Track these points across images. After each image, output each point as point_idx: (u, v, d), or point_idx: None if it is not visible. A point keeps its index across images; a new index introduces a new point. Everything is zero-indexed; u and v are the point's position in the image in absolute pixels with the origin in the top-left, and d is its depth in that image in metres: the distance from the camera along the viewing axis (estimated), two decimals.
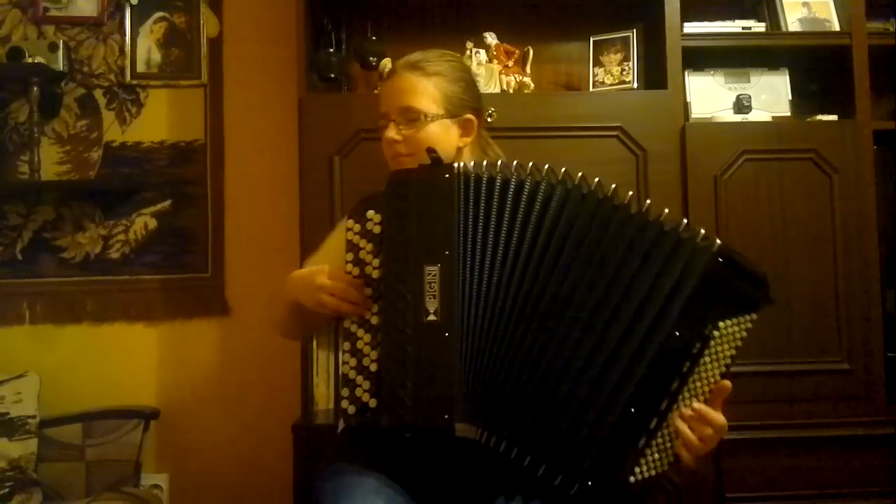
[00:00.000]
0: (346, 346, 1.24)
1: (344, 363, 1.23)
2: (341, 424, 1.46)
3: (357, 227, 1.27)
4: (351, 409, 1.22)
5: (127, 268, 2.45)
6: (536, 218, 1.20)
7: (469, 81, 1.50)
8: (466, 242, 1.20)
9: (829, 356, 2.15)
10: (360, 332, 1.24)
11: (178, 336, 2.46)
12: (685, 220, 1.17)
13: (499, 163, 1.23)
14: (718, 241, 1.12)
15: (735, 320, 1.12)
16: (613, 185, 1.20)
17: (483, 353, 1.17)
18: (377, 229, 1.26)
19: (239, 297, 2.46)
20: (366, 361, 1.22)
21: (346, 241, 1.28)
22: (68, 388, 2.33)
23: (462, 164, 1.26)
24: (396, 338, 1.18)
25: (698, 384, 1.13)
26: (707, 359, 1.13)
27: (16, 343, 2.40)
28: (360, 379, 1.21)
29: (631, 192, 1.21)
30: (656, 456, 1.12)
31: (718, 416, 1.14)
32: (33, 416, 2.17)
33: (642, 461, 1.12)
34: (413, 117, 1.42)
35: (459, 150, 1.47)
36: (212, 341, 2.46)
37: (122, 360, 2.43)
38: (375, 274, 1.24)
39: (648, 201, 1.20)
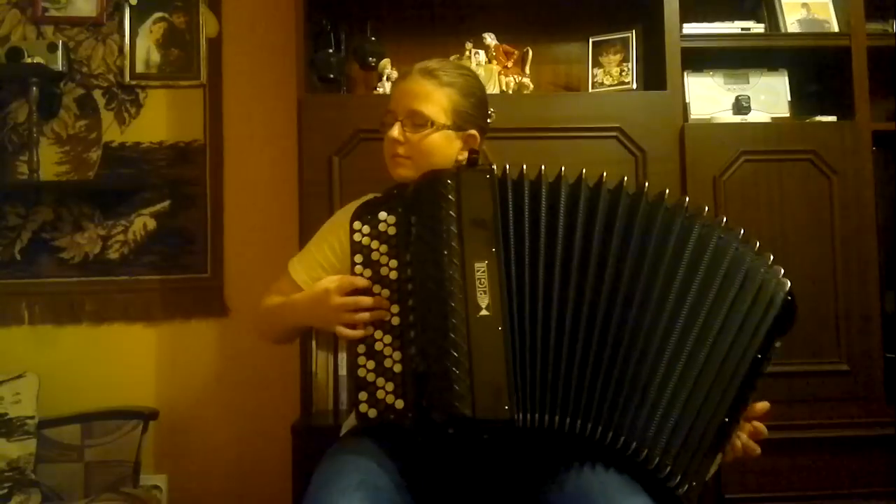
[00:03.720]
0: (361, 349, 1.23)
1: (359, 366, 1.22)
2: (345, 428, 1.46)
3: (366, 229, 1.28)
4: (372, 413, 1.20)
5: (126, 268, 2.45)
6: (585, 216, 1.24)
7: (480, 98, 1.53)
8: (512, 240, 1.23)
9: (828, 357, 2.15)
10: (378, 334, 1.23)
11: (177, 336, 2.46)
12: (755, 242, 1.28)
13: (523, 167, 1.26)
14: (788, 281, 1.26)
15: (780, 341, 1.27)
16: (666, 190, 1.28)
17: (536, 343, 1.19)
18: (392, 230, 1.27)
19: (238, 298, 2.46)
20: (387, 363, 1.21)
21: (351, 244, 1.28)
22: (67, 388, 2.33)
23: (503, 168, 1.28)
24: (439, 335, 1.18)
25: None
26: None
27: (15, 343, 2.40)
28: (380, 381, 1.20)
29: (688, 198, 1.31)
30: (719, 458, 1.23)
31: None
32: (32, 417, 2.16)
33: (715, 462, 1.22)
34: (420, 122, 1.45)
35: (458, 161, 1.48)
36: (211, 342, 2.46)
37: (121, 360, 2.43)
38: (393, 275, 1.25)
39: (707, 208, 1.30)
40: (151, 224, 2.46)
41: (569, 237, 1.23)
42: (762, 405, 1.27)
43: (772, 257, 1.27)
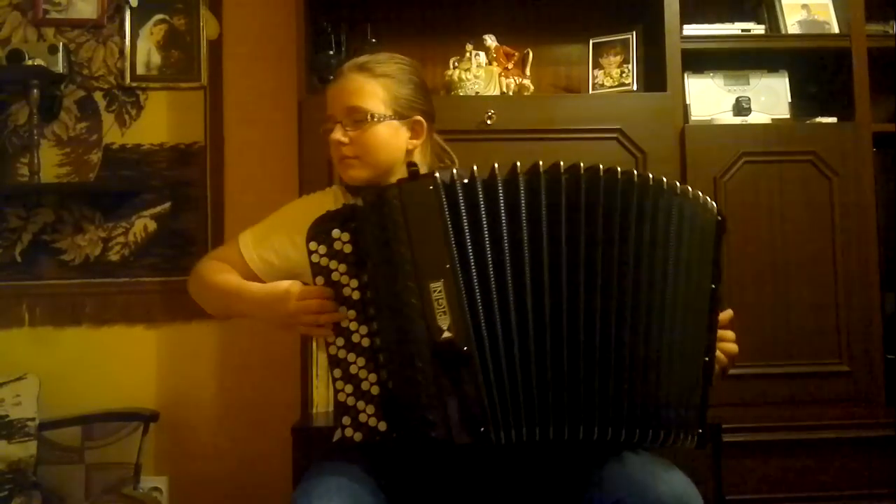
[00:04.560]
0: (338, 373, 1.19)
1: (338, 391, 1.19)
2: (337, 435, 1.46)
3: (323, 249, 1.21)
4: (357, 437, 1.18)
5: (126, 270, 2.45)
6: (548, 210, 1.18)
7: (419, 84, 1.48)
8: (471, 250, 1.16)
9: (829, 358, 2.15)
10: (352, 357, 1.19)
11: (177, 338, 2.46)
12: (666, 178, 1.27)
13: (473, 168, 1.19)
14: (715, 205, 1.29)
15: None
16: (617, 167, 1.27)
17: (513, 356, 1.15)
18: (348, 248, 1.20)
19: None
20: (364, 386, 1.18)
21: (311, 266, 1.23)
22: (68, 390, 2.33)
23: (450, 172, 1.20)
24: (407, 358, 1.15)
25: None
26: None
27: (15, 345, 2.40)
28: (361, 405, 1.18)
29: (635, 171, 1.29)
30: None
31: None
32: (33, 419, 2.16)
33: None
34: (360, 118, 1.41)
35: (409, 152, 1.45)
36: (211, 343, 2.46)
37: (121, 362, 2.43)
38: (356, 295, 1.20)
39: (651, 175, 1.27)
40: (152, 226, 2.46)
41: (534, 235, 1.17)
42: (725, 314, 1.30)
43: (700, 193, 1.27)
